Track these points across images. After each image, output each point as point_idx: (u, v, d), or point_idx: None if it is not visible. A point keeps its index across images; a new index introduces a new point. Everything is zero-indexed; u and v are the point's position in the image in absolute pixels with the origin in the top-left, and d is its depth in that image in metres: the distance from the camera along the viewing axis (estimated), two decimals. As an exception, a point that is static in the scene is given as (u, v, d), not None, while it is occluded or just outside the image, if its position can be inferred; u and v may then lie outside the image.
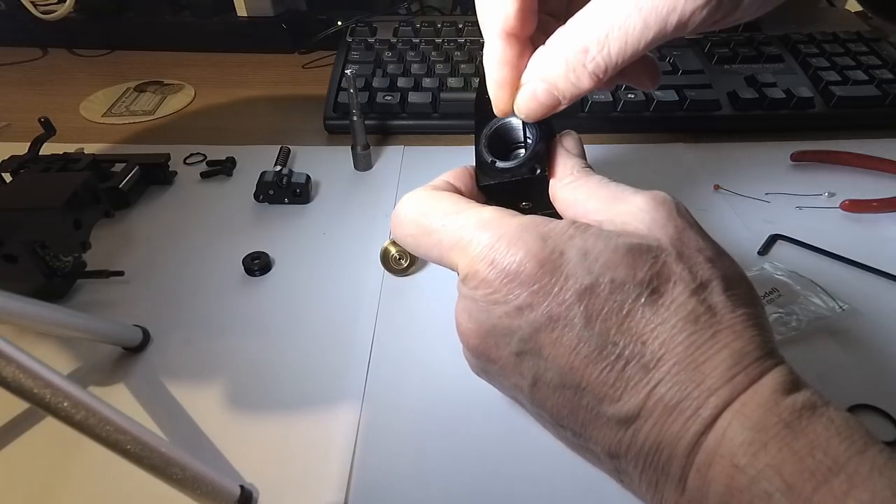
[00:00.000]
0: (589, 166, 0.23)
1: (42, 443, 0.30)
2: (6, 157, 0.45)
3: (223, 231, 0.44)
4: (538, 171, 0.23)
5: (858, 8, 0.70)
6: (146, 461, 0.24)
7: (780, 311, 0.35)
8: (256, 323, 0.37)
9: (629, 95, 0.55)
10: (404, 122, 0.56)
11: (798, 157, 0.50)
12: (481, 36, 0.23)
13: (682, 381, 0.17)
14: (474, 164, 0.25)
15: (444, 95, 0.56)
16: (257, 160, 0.50)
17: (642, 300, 0.18)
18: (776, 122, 0.55)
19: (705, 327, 0.18)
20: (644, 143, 0.54)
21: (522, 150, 0.25)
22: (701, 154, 0.52)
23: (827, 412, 0.17)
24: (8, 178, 0.43)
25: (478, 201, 0.23)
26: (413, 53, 0.62)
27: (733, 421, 0.17)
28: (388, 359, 0.34)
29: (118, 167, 0.47)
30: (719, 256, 0.20)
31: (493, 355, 0.21)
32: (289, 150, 0.52)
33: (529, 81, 0.22)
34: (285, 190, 0.46)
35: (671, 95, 0.55)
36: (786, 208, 0.45)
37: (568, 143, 0.24)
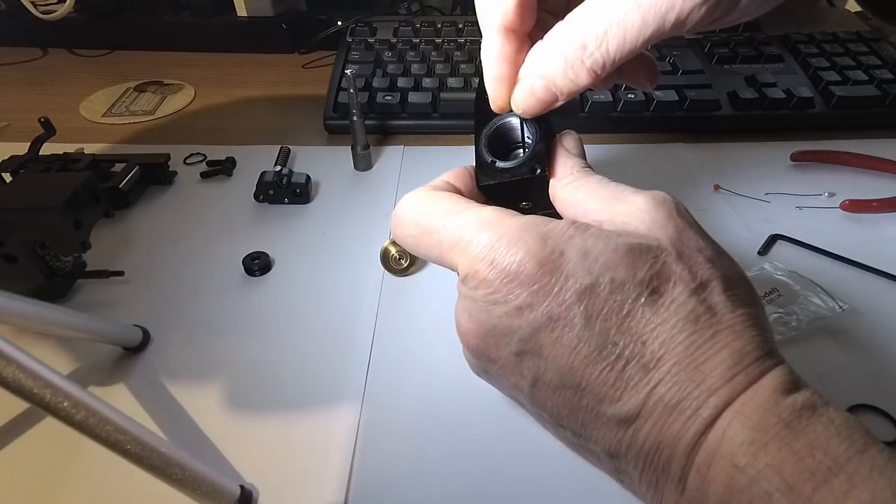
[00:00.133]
0: (589, 166, 0.23)
1: (42, 443, 0.30)
2: (6, 157, 0.45)
3: (223, 231, 0.44)
4: (538, 170, 0.23)
5: (858, 8, 0.70)
6: (146, 461, 0.24)
7: (780, 311, 0.35)
8: (256, 323, 0.37)
9: (629, 95, 0.55)
10: (404, 122, 0.56)
11: (798, 157, 0.50)
12: (481, 36, 0.23)
13: (682, 381, 0.17)
14: (474, 164, 0.25)
15: (444, 95, 0.56)
16: (257, 160, 0.50)
17: (642, 300, 0.18)
18: (776, 122, 0.55)
19: (705, 327, 0.18)
20: (644, 143, 0.54)
21: (522, 150, 0.25)
22: (701, 154, 0.52)
23: (827, 412, 0.17)
24: (8, 178, 0.43)
25: (478, 201, 0.23)
26: (413, 53, 0.62)
27: (733, 421, 0.17)
28: (388, 359, 0.34)
29: (118, 167, 0.47)
30: (719, 256, 0.20)
31: (493, 355, 0.21)
32: (289, 150, 0.52)
33: (527, 77, 0.22)
34: (285, 190, 0.46)
35: (671, 95, 0.55)
36: (786, 208, 0.45)
37: (568, 143, 0.24)
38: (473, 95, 0.57)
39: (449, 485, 0.28)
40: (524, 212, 0.22)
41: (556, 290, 0.19)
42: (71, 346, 0.35)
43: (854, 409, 0.31)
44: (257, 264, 0.40)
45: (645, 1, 0.18)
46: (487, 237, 0.20)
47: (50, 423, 0.27)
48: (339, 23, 0.68)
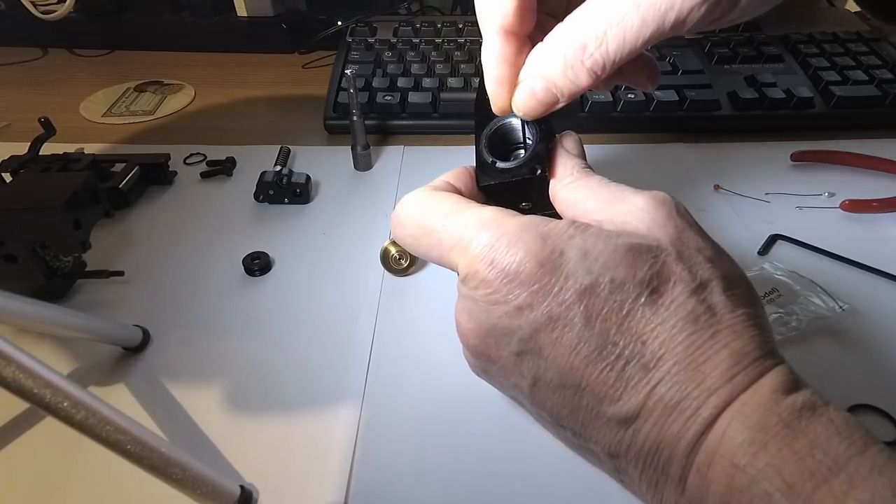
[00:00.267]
0: (589, 167, 0.23)
1: (42, 443, 0.30)
2: (6, 157, 0.45)
3: (223, 231, 0.44)
4: (538, 171, 0.23)
5: (858, 8, 0.70)
6: (146, 461, 0.24)
7: (780, 311, 0.35)
8: (256, 323, 0.37)
9: (629, 95, 0.55)
10: (404, 122, 0.56)
11: (798, 157, 0.50)
12: (481, 36, 0.23)
13: (682, 381, 0.17)
14: (474, 164, 0.25)
15: (444, 95, 0.56)
16: (257, 160, 0.50)
17: (642, 300, 0.18)
18: (776, 122, 0.55)
19: (705, 327, 0.18)
20: (644, 143, 0.54)
21: (522, 151, 0.25)
22: (701, 154, 0.52)
23: (827, 412, 0.17)
24: (8, 178, 0.43)
25: (478, 202, 0.23)
26: (413, 53, 0.62)
27: (733, 421, 0.17)
28: (388, 359, 0.34)
29: (118, 167, 0.47)
30: (719, 256, 0.20)
31: (493, 355, 0.21)
32: (289, 150, 0.52)
33: (527, 78, 0.22)
34: (285, 190, 0.46)
35: (671, 95, 0.55)
36: (786, 208, 0.45)
37: (568, 143, 0.24)
38: (473, 95, 0.57)
39: (449, 485, 0.28)
40: (524, 212, 0.22)
41: (556, 289, 0.19)
42: (71, 346, 0.35)
43: (854, 409, 0.31)
44: (257, 264, 0.40)
45: (644, 1, 0.18)
46: (487, 237, 0.20)
47: (50, 423, 0.27)
48: (339, 23, 0.68)
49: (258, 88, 0.66)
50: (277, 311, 0.38)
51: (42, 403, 0.22)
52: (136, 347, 0.35)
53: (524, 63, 0.22)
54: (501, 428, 0.31)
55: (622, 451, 0.19)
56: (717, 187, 0.48)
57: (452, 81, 0.57)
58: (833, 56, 0.60)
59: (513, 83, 0.22)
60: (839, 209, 0.44)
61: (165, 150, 0.49)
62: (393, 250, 0.39)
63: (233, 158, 0.51)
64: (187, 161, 0.52)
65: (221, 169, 0.50)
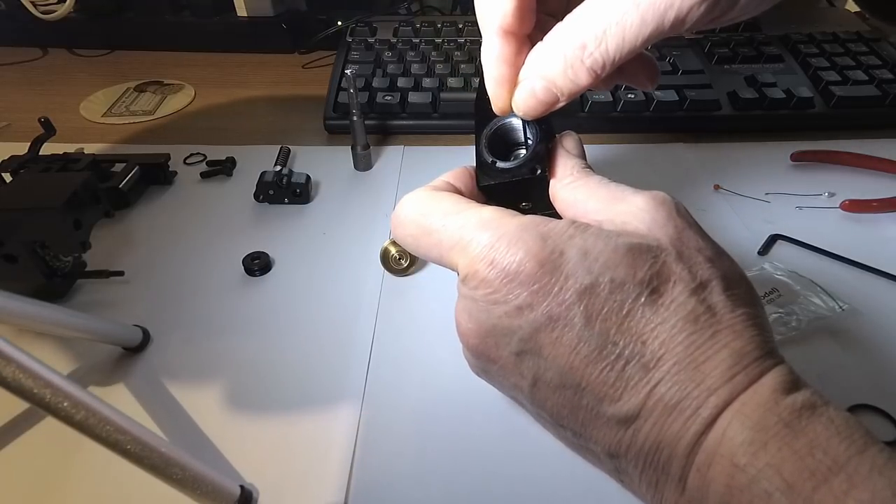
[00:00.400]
0: (589, 167, 0.23)
1: (42, 443, 0.30)
2: (6, 157, 0.45)
3: (223, 231, 0.44)
4: (538, 171, 0.23)
5: (858, 8, 0.70)
6: (146, 461, 0.24)
7: (780, 311, 0.35)
8: (256, 323, 0.37)
9: (629, 95, 0.55)
10: (404, 122, 0.56)
11: (798, 157, 0.50)
12: (481, 36, 0.23)
13: (682, 381, 0.17)
14: (474, 164, 0.25)
15: (444, 95, 0.56)
16: (257, 160, 0.50)
17: (642, 300, 0.18)
18: (776, 122, 0.55)
19: (705, 327, 0.18)
20: (644, 143, 0.54)
21: (523, 151, 0.25)
22: (701, 154, 0.52)
23: (827, 412, 0.17)
24: (8, 178, 0.43)
25: (478, 201, 0.23)
26: (413, 53, 0.62)
27: (733, 420, 0.17)
28: (388, 359, 0.34)
29: (118, 167, 0.47)
30: (719, 256, 0.20)
31: (493, 355, 0.21)
32: (289, 150, 0.52)
33: (527, 78, 0.22)
34: (285, 190, 0.46)
35: (671, 95, 0.55)
36: (786, 208, 0.45)
37: (568, 143, 0.24)
38: (473, 95, 0.57)
39: (449, 485, 0.28)
40: (524, 212, 0.22)
41: (556, 289, 0.19)
42: (71, 346, 0.35)
43: (854, 409, 0.31)
44: (257, 264, 0.40)
45: (644, 0, 0.18)
46: (487, 237, 0.20)
47: (50, 423, 0.27)
48: (339, 23, 0.68)
49: (258, 88, 0.66)
50: (277, 311, 0.38)
51: (42, 403, 0.22)
52: (136, 347, 0.35)
53: (524, 63, 0.22)
54: (501, 428, 0.31)
55: (622, 451, 0.19)
56: (717, 187, 0.48)
57: (452, 81, 0.57)
58: (833, 56, 0.60)
59: (513, 83, 0.22)
60: (839, 209, 0.44)
61: (165, 150, 0.49)
62: (393, 250, 0.39)
63: (233, 158, 0.51)
64: (187, 161, 0.52)
65: (221, 169, 0.50)
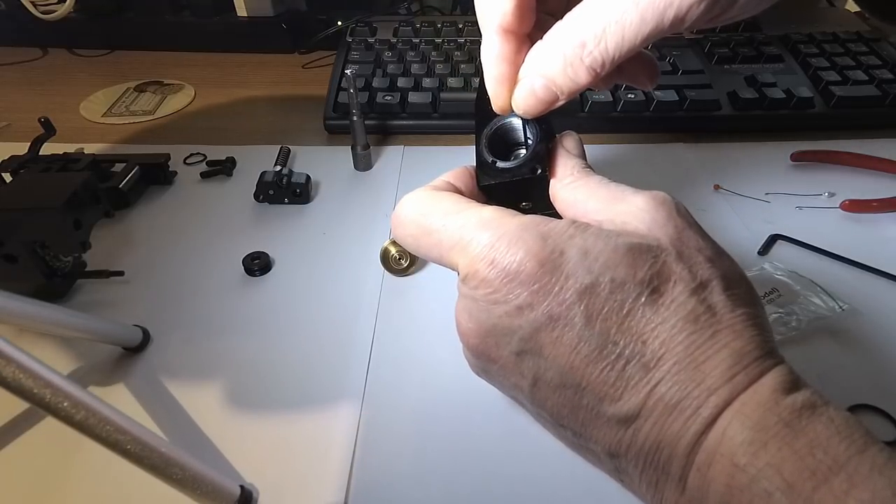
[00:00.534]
0: (589, 167, 0.23)
1: (42, 443, 0.30)
2: (6, 157, 0.45)
3: (223, 231, 0.44)
4: (539, 171, 0.23)
5: (858, 8, 0.70)
6: (146, 461, 0.24)
7: (780, 311, 0.35)
8: (256, 323, 0.37)
9: (629, 95, 0.55)
10: (404, 122, 0.56)
11: (798, 157, 0.50)
12: (481, 36, 0.23)
13: (683, 381, 0.17)
14: (475, 164, 0.25)
15: (444, 95, 0.56)
16: (257, 160, 0.50)
17: (642, 300, 0.18)
18: (776, 122, 0.55)
19: (705, 327, 0.18)
20: (644, 143, 0.54)
21: (523, 151, 0.25)
22: (701, 154, 0.52)
23: (827, 411, 0.17)
24: (8, 178, 0.43)
25: (478, 201, 0.23)
26: (413, 53, 0.62)
27: (733, 420, 0.17)
28: (388, 359, 0.34)
29: (118, 167, 0.47)
30: (719, 256, 0.20)
31: (494, 355, 0.21)
32: (289, 150, 0.52)
33: (527, 77, 0.22)
34: (285, 190, 0.46)
35: (671, 95, 0.55)
36: (786, 208, 0.45)
37: (568, 143, 0.24)
38: (473, 95, 0.57)
39: (449, 485, 0.28)
40: (525, 212, 0.22)
41: (556, 289, 0.19)
42: (71, 346, 0.35)
43: (854, 409, 0.31)
44: (257, 264, 0.40)
45: None
46: (487, 237, 0.20)
47: (50, 423, 0.27)
48: (339, 23, 0.68)
49: (258, 88, 0.66)
50: (277, 311, 0.38)
51: (42, 403, 0.22)
52: (136, 347, 0.35)
53: (524, 61, 0.22)
54: (501, 428, 0.31)
55: (622, 451, 0.19)
56: (717, 187, 0.48)
57: (452, 81, 0.57)
58: (833, 56, 0.60)
59: (512, 81, 0.22)
60: (839, 209, 0.44)
61: (165, 150, 0.49)
62: (393, 250, 0.39)
63: (233, 158, 0.51)
64: (187, 161, 0.52)
65: (221, 169, 0.50)
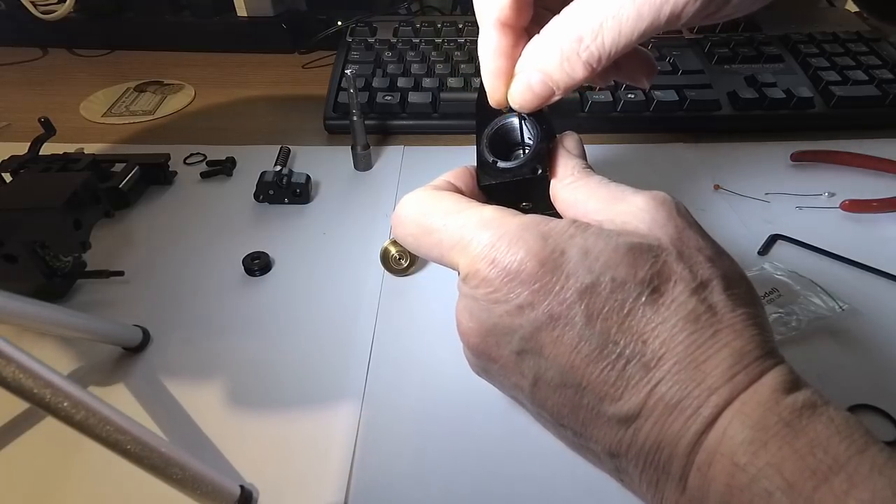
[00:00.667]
0: (589, 167, 0.23)
1: (42, 443, 0.30)
2: (6, 157, 0.45)
3: (223, 231, 0.44)
4: (539, 171, 0.23)
5: (858, 8, 0.70)
6: (146, 461, 0.24)
7: (780, 311, 0.35)
8: (256, 323, 0.37)
9: (629, 95, 0.55)
10: (404, 122, 0.56)
11: (798, 157, 0.50)
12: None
13: (683, 380, 0.17)
14: (475, 163, 0.25)
15: (444, 95, 0.56)
16: (257, 160, 0.50)
17: (643, 299, 0.18)
18: (776, 122, 0.55)
19: (706, 326, 0.18)
20: (644, 143, 0.54)
21: (523, 151, 0.25)
22: (701, 154, 0.52)
23: (827, 411, 0.17)
24: (8, 178, 0.43)
25: (479, 201, 0.23)
26: (413, 53, 0.62)
27: (734, 420, 0.17)
28: (388, 359, 0.34)
29: (118, 167, 0.47)
30: (719, 256, 0.20)
31: (494, 354, 0.21)
32: (289, 150, 0.52)
33: (524, 71, 0.22)
34: (285, 190, 0.46)
35: (671, 95, 0.55)
36: (786, 208, 0.45)
37: (569, 143, 0.24)
38: (473, 95, 0.57)
39: (449, 485, 0.28)
40: (525, 212, 0.22)
41: (556, 288, 0.19)
42: (71, 346, 0.35)
43: (854, 409, 0.31)
44: (257, 264, 0.40)
45: None
46: (488, 236, 0.20)
47: (50, 423, 0.27)
48: (339, 23, 0.68)
49: (258, 88, 0.66)
50: (277, 311, 0.38)
51: (42, 403, 0.22)
52: (136, 347, 0.35)
53: (521, 56, 0.22)
54: (501, 428, 0.31)
55: (622, 451, 0.19)
56: (717, 187, 0.48)
57: (452, 81, 0.57)
58: (833, 56, 0.60)
59: (509, 76, 0.23)
60: (839, 209, 0.44)
61: (165, 150, 0.49)
62: (393, 250, 0.39)
63: (233, 158, 0.51)
64: (187, 161, 0.52)
65: (221, 169, 0.50)
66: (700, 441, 0.17)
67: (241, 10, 0.72)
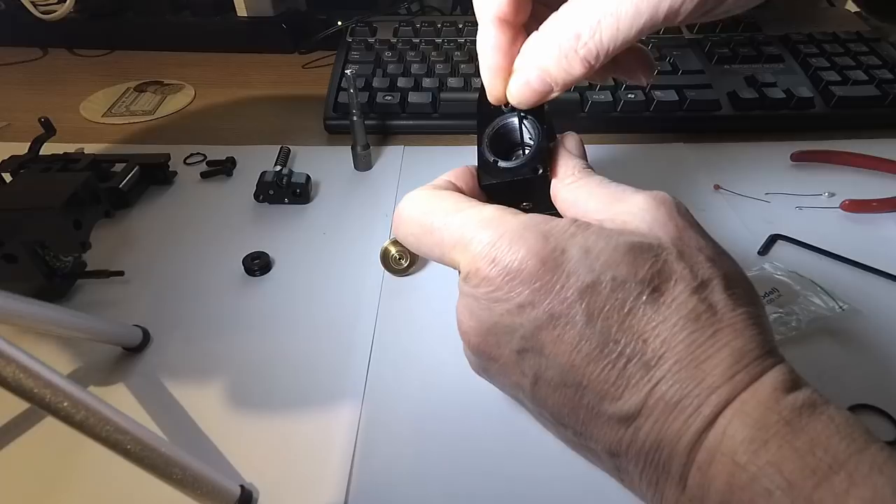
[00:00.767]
0: (590, 167, 0.23)
1: (42, 443, 0.30)
2: (6, 157, 0.45)
3: (223, 231, 0.44)
4: (540, 170, 0.23)
5: (858, 8, 0.70)
6: (146, 461, 0.24)
7: (780, 311, 0.35)
8: (256, 323, 0.37)
9: (629, 95, 0.55)
10: (404, 122, 0.56)
11: (798, 157, 0.50)
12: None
13: (683, 380, 0.17)
14: (476, 163, 0.25)
15: (444, 95, 0.56)
16: (257, 160, 0.50)
17: (644, 298, 0.18)
18: (776, 122, 0.55)
19: (706, 325, 0.18)
20: (644, 143, 0.54)
21: (523, 151, 0.25)
22: (701, 154, 0.52)
23: (827, 410, 0.17)
24: (8, 178, 0.43)
25: (479, 201, 0.23)
26: (413, 53, 0.62)
27: (734, 419, 0.17)
28: (388, 359, 0.34)
29: (118, 167, 0.47)
30: (719, 255, 0.20)
31: (495, 353, 0.21)
32: (289, 150, 0.52)
33: (522, 68, 0.22)
34: (285, 190, 0.46)
35: (671, 95, 0.55)
36: (786, 208, 0.45)
37: (569, 144, 0.25)
38: (473, 95, 0.57)
39: (449, 485, 0.28)
40: (525, 212, 0.22)
41: (557, 287, 0.19)
42: (71, 346, 0.35)
43: (854, 409, 0.31)
44: (257, 264, 0.40)
45: None
46: (489, 235, 0.20)
47: (50, 423, 0.27)
48: (339, 23, 0.69)
49: (258, 88, 0.66)
50: (277, 311, 0.38)
51: (42, 403, 0.22)
52: (136, 347, 0.35)
53: (519, 52, 0.22)
54: (501, 428, 0.30)
55: (622, 450, 0.19)
56: (717, 187, 0.48)
57: (452, 81, 0.57)
58: (833, 56, 0.60)
59: (508, 72, 0.23)
60: (839, 209, 0.44)
61: (165, 150, 0.49)
62: (393, 250, 0.39)
63: (233, 158, 0.51)
64: (187, 161, 0.52)
65: (221, 169, 0.50)
66: (700, 440, 0.17)
67: (242, 10, 0.72)
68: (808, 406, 0.17)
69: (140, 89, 0.65)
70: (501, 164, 0.24)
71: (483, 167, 0.24)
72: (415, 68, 0.59)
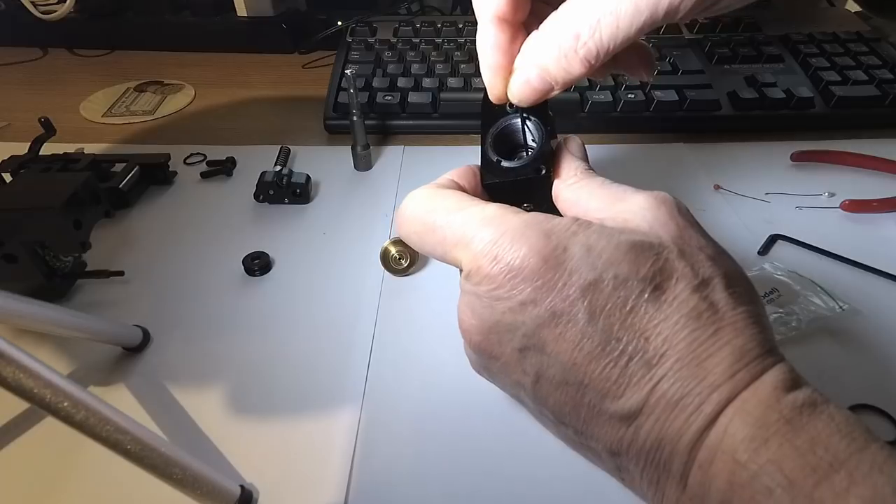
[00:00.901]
0: (591, 169, 0.24)
1: (42, 443, 0.30)
2: (6, 157, 0.45)
3: (223, 231, 0.44)
4: (543, 171, 0.23)
5: (858, 8, 0.70)
6: (146, 461, 0.24)
7: (780, 311, 0.35)
8: (256, 323, 0.37)
9: (629, 95, 0.55)
10: (404, 122, 0.56)
11: (798, 157, 0.50)
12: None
13: (685, 378, 0.17)
14: (479, 163, 0.25)
15: (444, 95, 0.56)
16: (257, 160, 0.50)
17: (645, 296, 0.18)
18: (776, 122, 0.56)
19: (707, 324, 0.18)
20: (644, 143, 0.54)
21: (526, 152, 0.25)
22: (701, 154, 0.52)
23: (827, 409, 0.17)
24: (8, 178, 0.43)
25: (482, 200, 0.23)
26: (413, 53, 0.62)
27: (735, 417, 0.17)
28: (388, 359, 0.34)
29: (118, 167, 0.47)
30: (720, 255, 0.20)
31: (496, 352, 0.21)
32: (289, 150, 0.52)
33: (522, 67, 0.22)
34: (285, 190, 0.46)
35: (671, 95, 0.55)
36: (786, 208, 0.45)
37: (572, 146, 0.25)
38: (473, 95, 0.57)
39: (449, 485, 0.28)
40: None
41: (559, 285, 0.19)
42: (71, 346, 0.35)
43: (854, 409, 0.31)
44: (257, 264, 0.40)
45: None
46: (491, 233, 0.20)
47: (50, 423, 0.27)
48: (339, 23, 0.69)
49: (258, 88, 0.66)
50: (277, 311, 0.38)
51: (42, 403, 0.22)
52: (136, 347, 0.35)
53: (519, 51, 0.22)
54: (501, 428, 0.30)
55: (623, 449, 0.19)
56: (717, 187, 0.48)
57: (452, 81, 0.57)
58: (833, 56, 0.60)
59: (508, 71, 0.23)
60: (839, 209, 0.45)
61: (165, 150, 0.49)
62: (393, 250, 0.39)
63: (233, 158, 0.51)
64: (187, 161, 0.52)
65: (221, 169, 0.50)
66: (701, 438, 0.17)
67: (242, 10, 0.72)
68: (809, 405, 0.17)
69: (140, 89, 0.65)
70: (505, 163, 0.24)
71: (486, 166, 0.25)
72: (415, 68, 0.59)
